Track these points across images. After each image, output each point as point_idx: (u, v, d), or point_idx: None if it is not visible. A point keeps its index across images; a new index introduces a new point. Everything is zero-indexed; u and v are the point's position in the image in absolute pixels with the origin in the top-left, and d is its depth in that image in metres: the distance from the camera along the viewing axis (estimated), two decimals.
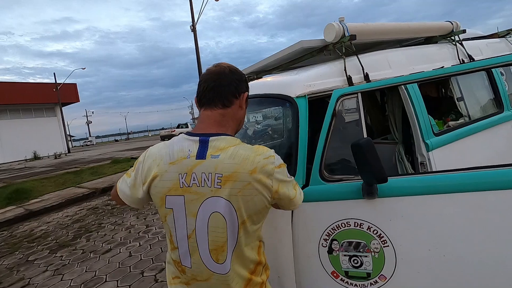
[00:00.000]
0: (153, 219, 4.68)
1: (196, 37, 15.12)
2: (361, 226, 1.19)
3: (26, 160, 22.62)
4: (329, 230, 1.25)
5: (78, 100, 30.41)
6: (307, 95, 1.46)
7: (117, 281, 2.93)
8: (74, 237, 4.42)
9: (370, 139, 1.04)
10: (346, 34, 1.64)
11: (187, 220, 0.86)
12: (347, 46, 1.67)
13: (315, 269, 1.29)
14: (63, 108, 28.87)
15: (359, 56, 1.70)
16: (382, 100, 2.87)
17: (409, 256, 1.14)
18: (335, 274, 1.26)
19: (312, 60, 2.26)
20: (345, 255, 1.23)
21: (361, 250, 1.21)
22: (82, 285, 2.96)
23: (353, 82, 1.60)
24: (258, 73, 2.60)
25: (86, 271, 3.25)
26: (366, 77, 1.66)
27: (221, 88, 0.90)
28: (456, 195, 1.09)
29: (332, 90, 1.46)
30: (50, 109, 28.48)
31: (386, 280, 1.18)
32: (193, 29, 15.02)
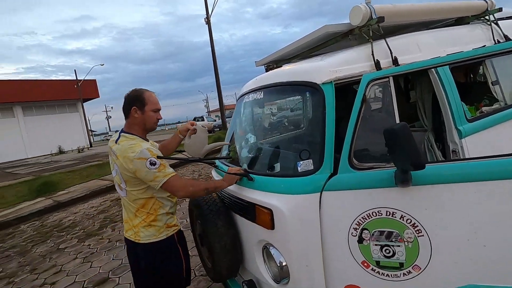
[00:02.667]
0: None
1: (211, 30, 15.09)
2: (394, 215, 1.15)
3: (52, 154, 23.69)
4: (359, 219, 1.22)
5: (98, 96, 31.34)
6: (334, 81, 1.41)
7: None
8: (100, 227, 4.60)
9: (406, 124, 0.99)
10: (373, 16, 1.56)
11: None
12: (374, 29, 1.59)
13: (344, 258, 1.27)
14: (84, 103, 29.88)
15: (387, 39, 1.62)
16: (405, 87, 2.75)
17: (446, 246, 1.09)
18: (365, 264, 1.23)
19: (333, 47, 2.19)
20: (376, 245, 1.20)
21: (393, 239, 1.17)
22: (110, 272, 3.09)
23: (381, 66, 1.53)
24: (277, 62, 2.55)
25: (113, 259, 3.38)
26: (395, 61, 1.58)
27: (123, 109, 1.57)
28: (496, 182, 1.03)
29: (360, 75, 1.41)
30: (72, 105, 29.55)
31: (421, 271, 1.14)
32: (208, 22, 14.99)
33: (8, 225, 5.40)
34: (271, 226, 1.38)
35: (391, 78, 1.30)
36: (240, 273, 1.83)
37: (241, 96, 2.26)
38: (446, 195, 1.08)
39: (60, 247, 4.03)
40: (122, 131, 1.56)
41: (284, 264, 1.39)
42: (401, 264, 1.17)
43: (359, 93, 1.23)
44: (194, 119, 24.47)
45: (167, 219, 1.57)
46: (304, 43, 1.93)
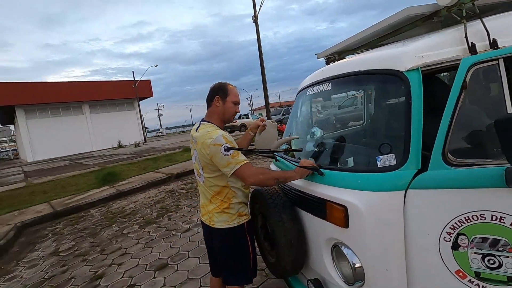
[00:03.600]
0: None
1: (258, 29, 15.19)
2: (502, 221, 0.99)
3: (113, 148, 26.21)
4: (455, 223, 1.07)
5: (152, 95, 33.85)
6: (421, 67, 1.26)
7: (199, 258, 3.15)
8: (157, 216, 4.92)
9: None
10: None
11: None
12: (468, 8, 1.39)
13: (433, 265, 1.13)
14: (140, 102, 32.47)
15: (483, 19, 1.40)
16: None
17: None
18: (461, 274, 1.08)
19: (405, 35, 1.99)
20: (476, 253, 1.04)
21: (500, 249, 1.00)
22: (169, 258, 3.27)
23: (477, 50, 1.33)
24: (341, 53, 2.42)
25: (171, 247, 3.57)
26: (494, 43, 1.36)
27: (207, 98, 1.70)
28: None
29: (452, 60, 1.24)
30: (130, 103, 32.35)
31: None
32: (255, 20, 15.12)
33: (81, 209, 6.08)
34: (345, 224, 1.29)
35: (501, 61, 1.12)
36: (302, 271, 1.78)
37: (302, 90, 2.18)
38: None
39: (124, 232, 4.39)
40: (202, 120, 1.69)
41: (358, 265, 1.29)
42: (510, 279, 1.00)
43: (458, 79, 1.08)
44: (240, 117, 24.98)
45: (239, 207, 1.66)
46: (376, 31, 1.78)
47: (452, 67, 1.22)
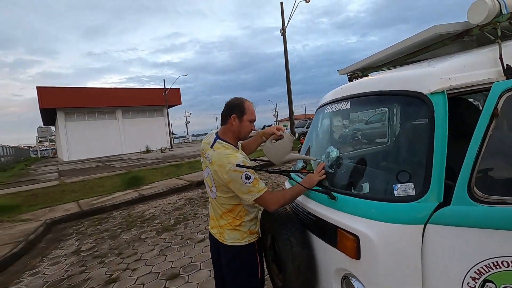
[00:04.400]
0: None
1: (285, 40, 15.32)
2: None
3: (140, 152, 27.32)
4: (481, 268, 0.94)
5: (180, 103, 35.10)
6: (447, 90, 1.16)
7: (210, 271, 3.11)
8: (174, 223, 4.97)
9: None
10: (504, 11, 1.25)
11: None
12: (504, 27, 1.28)
13: None
14: (168, 109, 33.74)
15: None
16: None
17: None
18: None
19: (435, 53, 1.87)
20: None
21: None
22: (181, 268, 3.26)
23: None
24: (364, 71, 2.33)
25: (184, 256, 3.57)
26: None
27: (222, 114, 1.64)
28: None
29: (483, 83, 1.13)
30: (159, 110, 33.76)
31: None
32: (283, 33, 15.27)
33: (104, 211, 6.32)
34: (356, 255, 1.20)
35: None
36: None
37: (321, 106, 2.12)
38: None
39: (141, 237, 4.48)
40: (217, 136, 1.61)
41: None
42: None
43: (488, 106, 0.97)
44: (263, 128, 25.10)
45: (250, 225, 1.63)
46: (402, 48, 1.69)
47: (483, 90, 1.11)
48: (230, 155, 1.48)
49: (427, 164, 1.11)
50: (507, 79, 1.14)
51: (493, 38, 1.30)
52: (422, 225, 1.06)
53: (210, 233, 1.75)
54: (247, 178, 1.41)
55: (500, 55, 1.24)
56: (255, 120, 1.65)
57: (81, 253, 4.09)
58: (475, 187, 0.98)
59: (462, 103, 1.34)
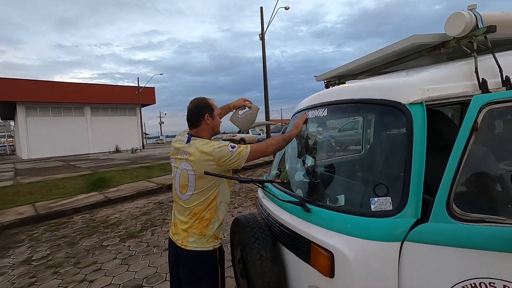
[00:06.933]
0: None
1: (264, 45, 15.38)
2: None
3: (109, 152, 26.00)
4: None
5: (155, 102, 33.98)
6: (425, 101, 1.13)
7: None
8: (141, 229, 4.68)
9: None
10: (480, 25, 1.26)
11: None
12: (480, 41, 1.28)
13: None
14: (142, 108, 32.54)
15: (496, 54, 1.29)
16: None
17: None
18: None
19: (410, 64, 1.88)
20: None
21: None
22: (145, 279, 3.03)
23: (488, 87, 1.20)
24: (341, 78, 2.31)
25: (149, 266, 3.34)
26: (507, 81, 1.24)
27: (191, 118, 1.63)
28: None
29: (462, 96, 1.11)
30: (131, 109, 32.44)
31: None
32: (262, 38, 15.33)
33: (64, 215, 5.83)
34: (330, 273, 1.12)
35: None
36: None
37: (298, 112, 2.05)
38: None
39: (103, 244, 4.15)
40: (191, 135, 1.62)
41: None
42: None
43: (468, 119, 0.94)
44: (239, 132, 25.02)
45: (216, 229, 1.56)
46: (380, 57, 1.67)
47: (460, 103, 1.08)
48: (210, 142, 1.55)
49: (404, 177, 1.06)
50: (482, 93, 1.12)
51: (469, 51, 1.30)
52: (399, 243, 1.00)
53: (170, 240, 1.67)
54: (233, 147, 1.49)
55: (476, 68, 1.24)
56: (219, 113, 1.74)
57: (32, 263, 3.70)
58: (453, 204, 0.94)
59: (438, 115, 1.33)
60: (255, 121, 1.89)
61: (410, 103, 1.14)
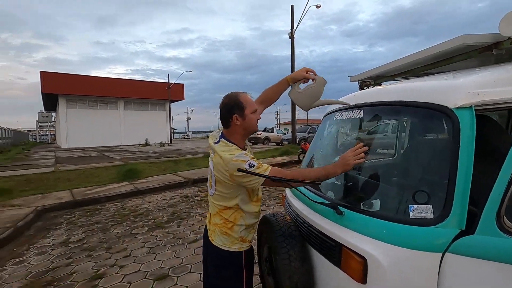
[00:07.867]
0: None
1: (293, 44, 15.25)
2: None
3: (139, 145, 27.19)
4: None
5: (183, 98, 34.99)
6: (475, 106, 1.06)
7: (200, 274, 2.99)
8: (167, 220, 4.85)
9: None
10: None
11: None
12: None
13: None
14: (171, 104, 33.64)
15: None
16: None
17: None
18: None
19: (453, 67, 1.78)
20: None
21: None
22: (171, 269, 3.14)
23: None
24: (377, 79, 2.23)
25: (174, 256, 3.46)
26: None
27: (221, 118, 1.50)
28: None
29: None
30: (161, 104, 33.64)
31: None
32: (291, 36, 15.20)
33: (97, 202, 6.19)
34: (362, 279, 1.09)
35: None
36: None
37: (329, 113, 2.01)
38: None
39: (132, 232, 4.36)
40: (222, 135, 1.51)
41: None
42: None
43: None
44: (264, 130, 24.94)
45: (243, 232, 1.49)
46: (422, 58, 1.59)
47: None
48: (232, 149, 1.41)
49: (449, 185, 1.00)
50: None
51: None
52: (440, 254, 0.95)
53: (205, 227, 1.64)
54: (251, 166, 1.31)
55: None
56: (256, 109, 1.51)
57: (69, 245, 3.97)
58: (504, 217, 0.88)
59: (487, 121, 1.24)
60: (320, 98, 1.53)
61: (458, 108, 1.07)
